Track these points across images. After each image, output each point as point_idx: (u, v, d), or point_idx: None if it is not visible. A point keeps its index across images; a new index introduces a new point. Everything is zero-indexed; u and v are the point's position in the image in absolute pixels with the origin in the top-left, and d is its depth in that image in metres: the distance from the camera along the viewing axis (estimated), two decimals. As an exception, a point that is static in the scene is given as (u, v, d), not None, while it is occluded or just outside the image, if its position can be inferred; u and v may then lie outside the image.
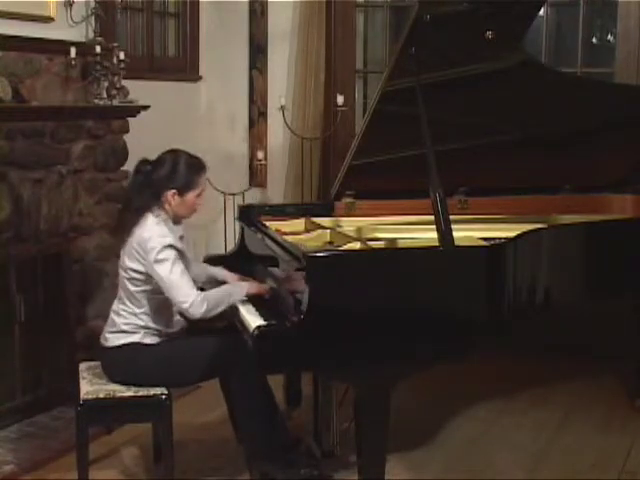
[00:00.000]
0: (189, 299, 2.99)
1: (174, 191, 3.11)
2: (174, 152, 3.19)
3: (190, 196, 3.14)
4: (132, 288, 3.12)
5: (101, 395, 3.06)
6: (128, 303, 3.14)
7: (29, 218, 3.87)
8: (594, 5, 5.00)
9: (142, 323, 3.12)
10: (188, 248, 3.27)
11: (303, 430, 3.60)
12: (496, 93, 3.44)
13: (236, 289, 3.16)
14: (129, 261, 3.09)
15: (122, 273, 3.15)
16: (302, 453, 3.37)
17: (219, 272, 3.44)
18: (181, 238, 3.20)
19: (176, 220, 3.20)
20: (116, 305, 3.19)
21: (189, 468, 3.44)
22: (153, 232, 3.05)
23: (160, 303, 3.12)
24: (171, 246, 3.03)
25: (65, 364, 4.01)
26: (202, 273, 3.42)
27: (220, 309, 3.07)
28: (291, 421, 3.72)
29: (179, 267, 3.02)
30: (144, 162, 3.18)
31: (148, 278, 3.07)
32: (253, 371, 3.11)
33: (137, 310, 3.12)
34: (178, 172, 3.12)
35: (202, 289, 3.22)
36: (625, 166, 3.98)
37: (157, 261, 3.00)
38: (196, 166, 3.17)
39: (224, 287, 3.23)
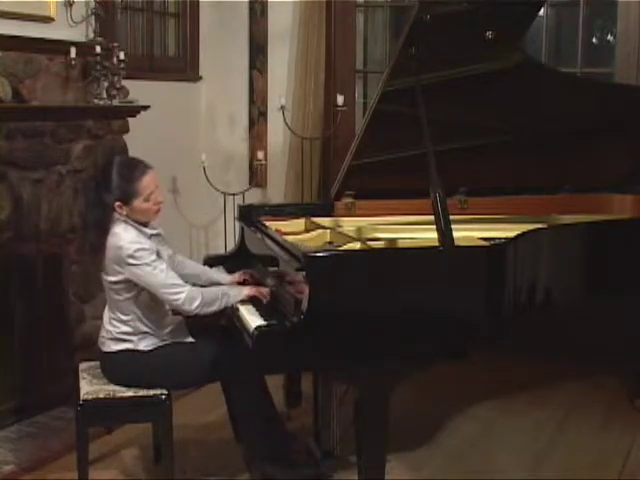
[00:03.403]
0: (181, 295, 2.99)
1: (118, 203, 3.04)
2: (108, 164, 3.14)
3: (136, 203, 3.04)
4: (116, 297, 3.09)
5: (101, 395, 3.06)
6: (117, 312, 3.11)
7: (29, 218, 3.88)
8: (594, 5, 5.00)
9: (132, 330, 3.10)
10: (170, 243, 3.26)
11: (303, 430, 3.60)
12: (496, 93, 3.44)
13: (233, 291, 3.15)
14: (110, 273, 3.06)
15: (105, 284, 3.13)
16: (302, 453, 3.37)
17: (218, 275, 3.43)
18: (156, 236, 3.16)
19: (143, 223, 3.12)
20: (106, 312, 3.18)
21: (189, 468, 3.44)
22: (123, 240, 3.00)
23: (147, 307, 3.09)
24: (143, 249, 2.99)
25: (65, 364, 4.00)
26: (199, 274, 3.41)
27: (214, 308, 3.06)
28: (291, 421, 3.73)
29: (160, 266, 3.00)
30: (90, 178, 3.18)
31: (130, 286, 3.04)
32: (253, 374, 3.12)
33: (125, 318, 3.10)
34: (112, 184, 3.03)
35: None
36: (625, 166, 3.98)
37: (136, 266, 2.98)
38: (129, 173, 3.05)
39: (222, 287, 3.23)
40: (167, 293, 3.00)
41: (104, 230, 3.06)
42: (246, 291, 3.14)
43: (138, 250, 2.98)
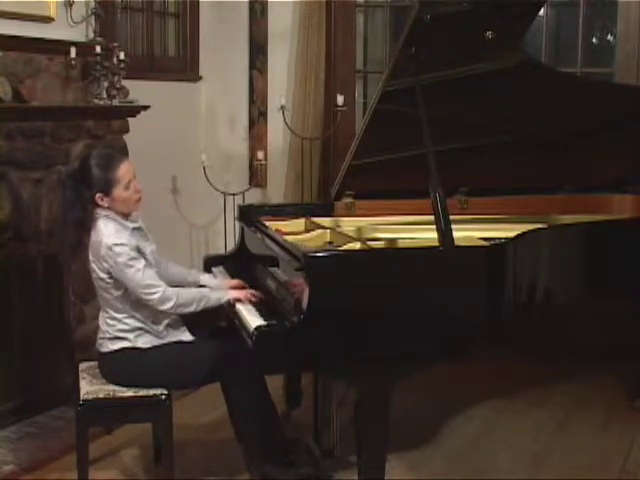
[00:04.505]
0: (155, 296, 3.01)
1: (99, 194, 3.05)
2: (85, 159, 3.15)
3: (117, 192, 3.05)
4: (107, 296, 3.10)
5: (101, 395, 3.06)
6: (109, 310, 3.12)
7: (29, 218, 3.87)
8: (594, 5, 5.00)
9: (127, 327, 3.10)
10: (156, 242, 3.25)
11: (303, 430, 3.60)
12: (496, 93, 3.44)
13: (215, 294, 3.15)
14: (95, 270, 3.07)
15: (94, 282, 3.13)
16: (302, 453, 3.37)
17: (204, 279, 3.42)
18: (138, 230, 3.15)
19: (125, 215, 3.12)
20: (101, 312, 3.19)
21: (189, 468, 3.44)
22: (103, 235, 3.02)
23: (138, 302, 3.08)
24: (122, 245, 3.00)
25: (65, 364, 4.01)
26: (181, 280, 3.37)
27: (191, 309, 3.08)
28: (291, 421, 3.73)
29: (137, 265, 3.00)
30: (67, 176, 3.19)
31: (117, 282, 3.05)
32: (253, 374, 3.11)
33: (118, 316, 3.10)
34: (92, 175, 3.04)
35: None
36: (625, 166, 3.98)
37: (115, 263, 2.98)
38: (107, 163, 3.07)
39: (202, 289, 3.23)
40: (142, 293, 3.01)
41: (85, 229, 3.07)
42: (232, 294, 3.15)
43: (116, 245, 2.99)
